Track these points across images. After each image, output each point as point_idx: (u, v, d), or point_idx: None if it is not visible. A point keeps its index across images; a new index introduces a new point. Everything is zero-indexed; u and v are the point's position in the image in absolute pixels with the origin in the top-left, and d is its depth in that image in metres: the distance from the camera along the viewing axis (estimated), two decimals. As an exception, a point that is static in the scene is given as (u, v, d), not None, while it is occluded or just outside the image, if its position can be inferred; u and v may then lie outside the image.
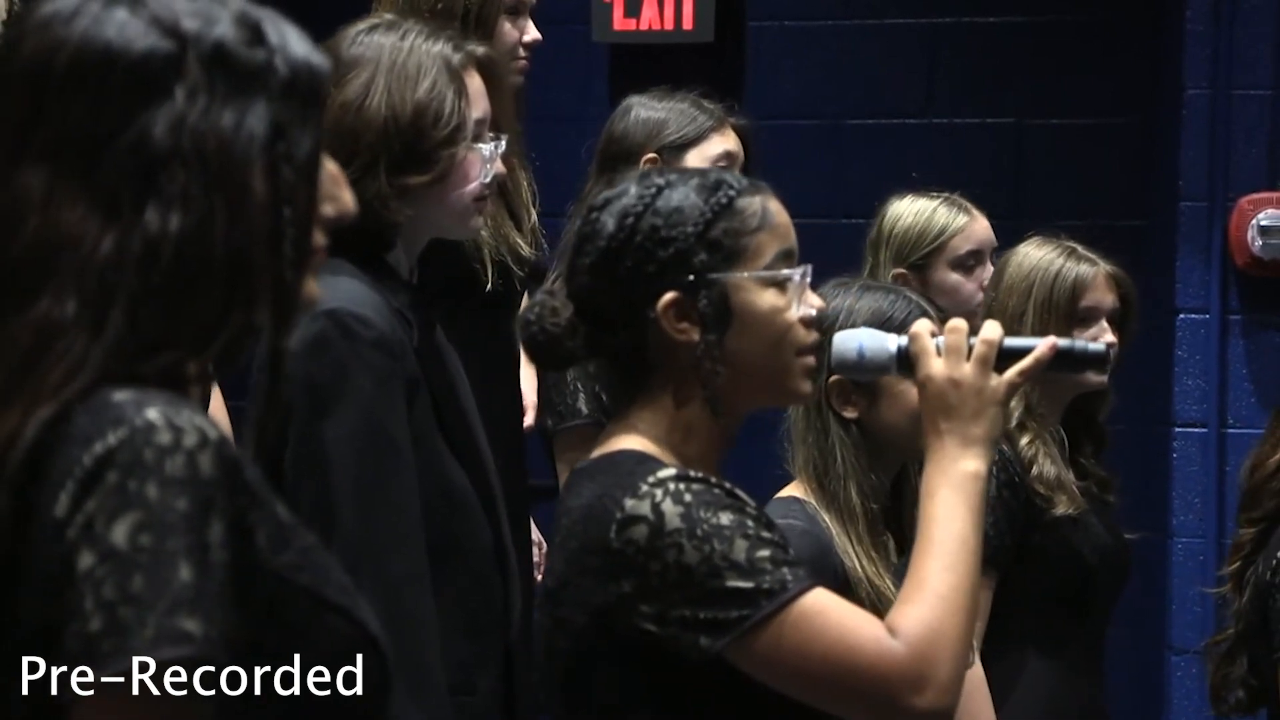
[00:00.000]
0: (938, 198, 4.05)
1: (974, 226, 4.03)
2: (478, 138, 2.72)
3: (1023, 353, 2.31)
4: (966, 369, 2.27)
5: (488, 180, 2.74)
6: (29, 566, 1.41)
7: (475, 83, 2.73)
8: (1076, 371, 2.51)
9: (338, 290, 2.57)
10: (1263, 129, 5.23)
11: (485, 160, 2.72)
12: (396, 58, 2.67)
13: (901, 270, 3.97)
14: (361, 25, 2.74)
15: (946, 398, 2.27)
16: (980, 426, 2.26)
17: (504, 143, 2.77)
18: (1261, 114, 5.23)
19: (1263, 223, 5.18)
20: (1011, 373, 2.29)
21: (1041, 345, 2.32)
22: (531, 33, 3.62)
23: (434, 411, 2.67)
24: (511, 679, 2.76)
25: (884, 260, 3.99)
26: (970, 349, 2.29)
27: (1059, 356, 2.33)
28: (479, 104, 2.73)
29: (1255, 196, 5.22)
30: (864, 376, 2.60)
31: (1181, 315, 5.26)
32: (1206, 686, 3.89)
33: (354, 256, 2.61)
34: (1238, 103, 5.23)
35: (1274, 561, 3.72)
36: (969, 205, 4.05)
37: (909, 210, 4.02)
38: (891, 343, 2.37)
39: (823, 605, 2.12)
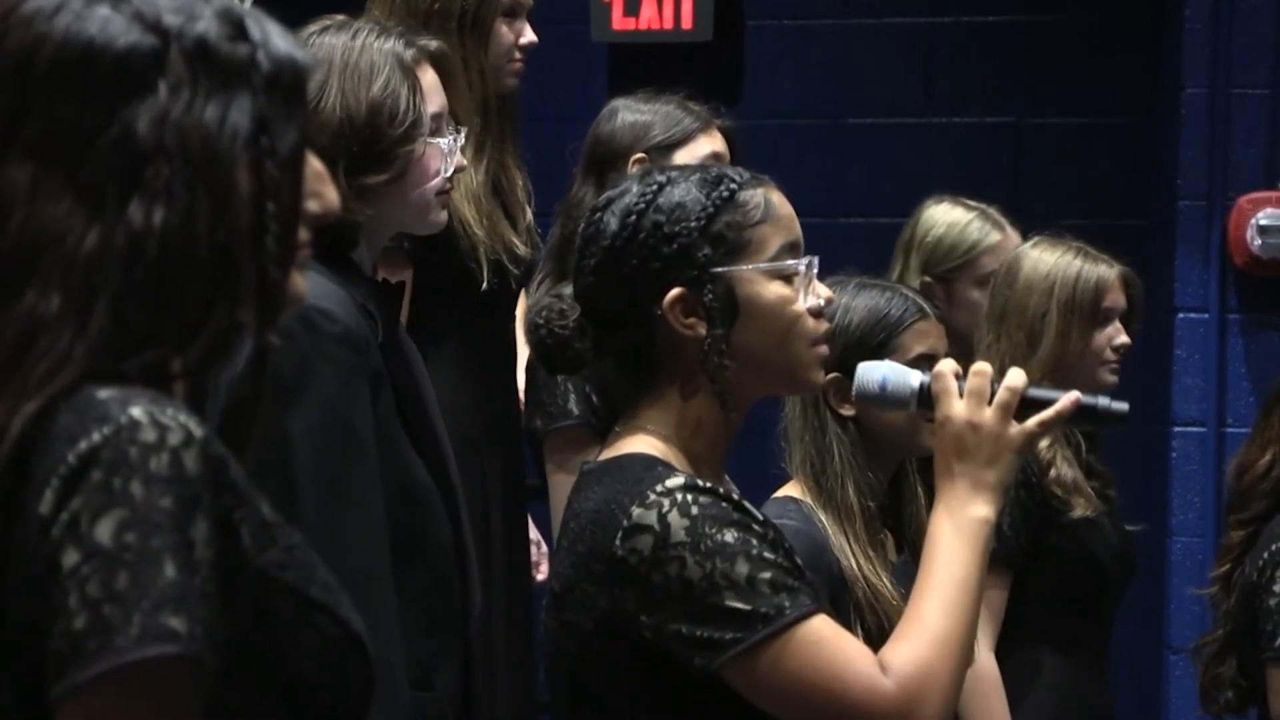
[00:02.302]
0: (974, 209, 4.04)
1: (1005, 244, 4.02)
2: (435, 132, 2.72)
3: (1044, 403, 2.29)
4: (987, 414, 2.26)
5: (449, 174, 2.73)
6: (14, 564, 1.41)
7: (429, 77, 2.73)
8: (1095, 426, 2.49)
9: None
10: (1261, 128, 5.23)
11: (445, 154, 2.72)
12: (349, 57, 2.67)
13: (928, 280, 3.98)
14: (314, 27, 2.74)
15: (964, 440, 2.25)
16: (994, 473, 2.25)
17: (464, 135, 2.77)
18: (1260, 113, 5.23)
19: (1261, 222, 5.18)
20: (1031, 423, 2.27)
21: (1064, 399, 2.28)
22: (528, 35, 3.62)
23: (397, 407, 2.67)
24: (470, 676, 2.76)
25: (913, 266, 4.00)
26: (993, 393, 2.28)
27: (1080, 411, 2.31)
28: (434, 98, 2.73)
29: (1254, 195, 5.22)
30: (884, 409, 2.59)
31: (1180, 314, 5.26)
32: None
33: (317, 253, 2.61)
34: (1236, 102, 5.24)
35: (1260, 562, 3.72)
36: (1004, 221, 4.04)
37: (944, 220, 4.02)
38: (914, 379, 2.36)
39: (818, 636, 2.11)
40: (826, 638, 2.11)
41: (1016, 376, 2.28)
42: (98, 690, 1.38)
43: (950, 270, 4.00)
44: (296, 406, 2.53)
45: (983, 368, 2.29)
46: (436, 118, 2.72)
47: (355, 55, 2.67)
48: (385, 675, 2.52)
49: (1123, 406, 2.37)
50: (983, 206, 4.06)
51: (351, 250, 2.69)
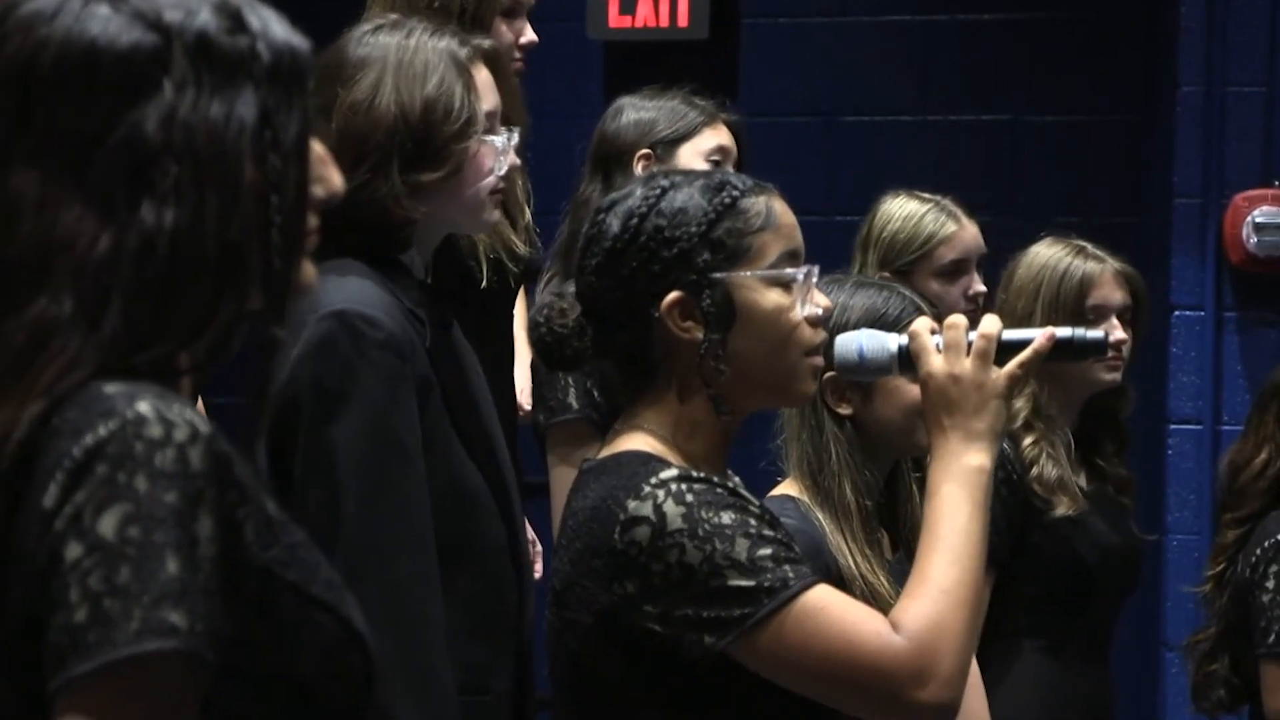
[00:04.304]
0: (929, 201, 4.00)
1: (961, 235, 3.97)
2: (489, 130, 2.70)
3: (1022, 345, 2.32)
4: (966, 364, 2.28)
5: (503, 172, 2.72)
6: (17, 557, 1.41)
7: (483, 76, 2.72)
8: (1077, 360, 2.52)
9: (346, 290, 2.56)
10: (1257, 126, 5.24)
11: (498, 153, 2.71)
12: (403, 56, 2.65)
13: (886, 274, 3.95)
14: (366, 26, 2.72)
15: (948, 394, 2.28)
16: (983, 420, 2.27)
17: (516, 135, 2.76)
18: (1255, 111, 5.24)
19: (1257, 219, 5.19)
20: (1011, 365, 2.29)
21: (1039, 336, 2.32)
22: (528, 34, 3.61)
23: (447, 410, 2.66)
24: (523, 679, 2.75)
25: (871, 261, 3.97)
26: (969, 344, 2.29)
27: (1058, 346, 2.33)
28: (488, 97, 2.71)
29: (1250, 193, 5.22)
30: (866, 378, 2.60)
31: (1176, 312, 5.27)
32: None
33: (366, 256, 2.61)
34: (1232, 100, 5.24)
35: (1253, 559, 3.73)
36: (958, 212, 4.00)
37: (899, 213, 3.98)
38: (892, 342, 2.38)
39: (825, 602, 2.13)
40: (833, 603, 2.13)
41: (990, 323, 2.30)
42: (96, 684, 1.37)
43: (908, 264, 3.97)
44: (340, 414, 2.52)
45: (957, 320, 2.31)
46: (490, 116, 2.70)
47: (410, 53, 2.65)
48: (427, 682, 2.52)
49: (1098, 334, 2.41)
50: (938, 198, 4.03)
51: (403, 252, 2.68)
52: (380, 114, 2.62)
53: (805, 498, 2.81)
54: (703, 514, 2.12)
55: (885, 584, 2.74)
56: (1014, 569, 3.67)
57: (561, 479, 3.47)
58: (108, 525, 1.38)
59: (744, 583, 2.10)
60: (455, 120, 2.64)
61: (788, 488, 2.85)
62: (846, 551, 2.76)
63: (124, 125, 1.48)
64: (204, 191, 1.48)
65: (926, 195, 4.02)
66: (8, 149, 1.48)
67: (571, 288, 2.34)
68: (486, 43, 2.80)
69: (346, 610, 1.55)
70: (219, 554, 1.42)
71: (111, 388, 1.44)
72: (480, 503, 2.68)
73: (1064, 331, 2.36)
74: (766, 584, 2.10)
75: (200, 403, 3.26)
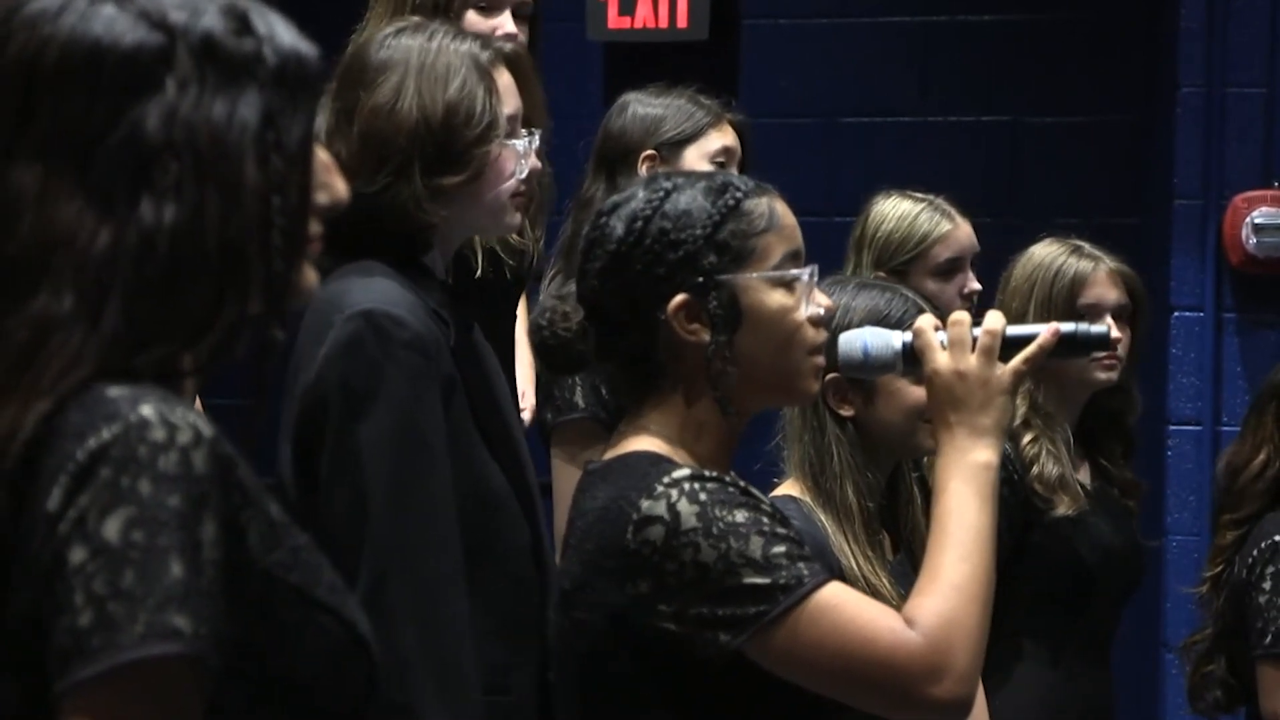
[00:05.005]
0: (922, 201, 4.00)
1: (955, 234, 3.96)
2: (510, 134, 2.71)
3: (1026, 341, 2.32)
4: (971, 360, 2.29)
5: (524, 176, 2.73)
6: (20, 560, 1.41)
7: (505, 79, 2.72)
8: (1081, 355, 2.52)
9: (372, 291, 2.57)
10: (1256, 127, 5.24)
11: (520, 156, 2.71)
12: (425, 59, 2.66)
13: (881, 275, 3.95)
14: (389, 30, 2.74)
15: (953, 390, 2.28)
16: (989, 416, 2.27)
17: (537, 137, 2.76)
18: (1255, 112, 5.24)
19: (1257, 220, 5.19)
20: (1016, 361, 2.30)
21: (1044, 331, 2.33)
22: (506, 27, 3.57)
23: (470, 411, 2.66)
24: (547, 679, 2.75)
25: (866, 262, 3.96)
26: (974, 340, 2.30)
27: (1062, 341, 2.34)
28: (510, 100, 2.71)
29: (1249, 194, 5.22)
30: (870, 375, 2.60)
31: (1176, 313, 5.27)
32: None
33: (389, 259, 2.61)
34: (1232, 101, 5.24)
35: (1249, 560, 3.72)
36: (952, 210, 3.99)
37: (892, 214, 3.98)
38: (896, 340, 2.38)
39: (839, 599, 2.13)
40: (847, 600, 2.14)
41: (994, 319, 2.31)
42: (101, 688, 1.38)
43: (903, 263, 3.96)
44: (367, 414, 2.52)
45: (960, 316, 2.32)
46: (512, 119, 2.70)
47: (432, 57, 2.65)
48: (453, 682, 2.52)
49: (1101, 329, 2.41)
50: (930, 197, 4.02)
51: (425, 254, 2.69)
52: (402, 118, 2.63)
53: (807, 499, 2.82)
54: (717, 512, 2.12)
55: (887, 585, 2.75)
56: (1014, 569, 3.66)
57: (566, 478, 3.46)
58: (111, 529, 1.38)
59: (759, 580, 2.11)
60: (477, 124, 2.64)
61: (788, 489, 2.85)
62: (849, 553, 2.76)
63: (125, 123, 1.48)
64: (204, 189, 1.48)
65: (919, 195, 4.02)
66: (11, 145, 1.49)
67: (574, 288, 2.34)
68: (508, 46, 2.80)
69: (350, 613, 1.55)
70: (222, 557, 1.42)
71: (115, 390, 1.44)
72: (503, 503, 2.69)
73: (1067, 326, 2.36)
74: (782, 581, 2.11)
75: (199, 404, 3.28)
